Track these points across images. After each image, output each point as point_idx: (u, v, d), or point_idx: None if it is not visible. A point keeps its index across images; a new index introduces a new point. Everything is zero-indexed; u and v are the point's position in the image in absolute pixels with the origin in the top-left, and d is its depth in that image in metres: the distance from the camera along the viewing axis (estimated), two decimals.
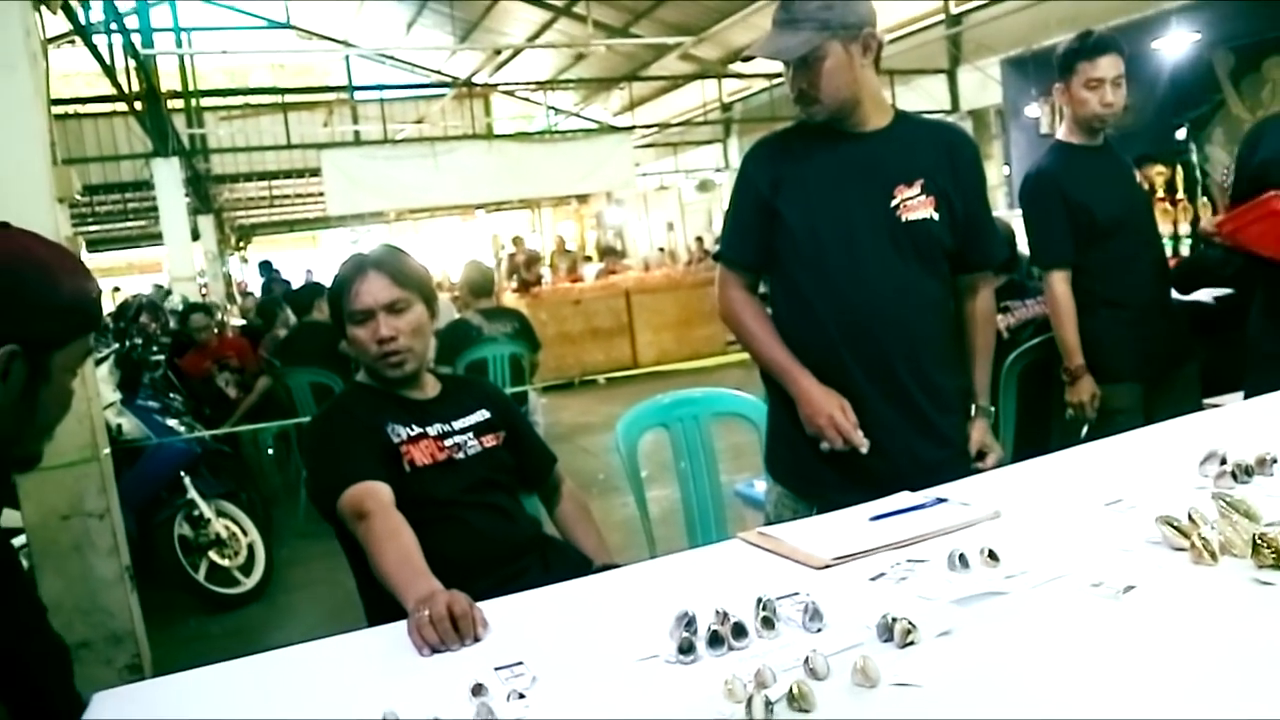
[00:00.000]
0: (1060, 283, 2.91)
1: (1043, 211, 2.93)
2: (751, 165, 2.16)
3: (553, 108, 18.98)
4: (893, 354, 2.05)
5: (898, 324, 2.05)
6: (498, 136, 13.83)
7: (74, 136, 14.92)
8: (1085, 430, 2.91)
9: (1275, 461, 1.69)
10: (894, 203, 2.04)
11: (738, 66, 15.25)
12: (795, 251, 2.09)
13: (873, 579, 1.45)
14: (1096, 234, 2.88)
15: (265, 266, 14.52)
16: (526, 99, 19.70)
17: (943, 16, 12.09)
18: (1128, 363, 2.90)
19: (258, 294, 12.45)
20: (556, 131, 16.02)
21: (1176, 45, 8.55)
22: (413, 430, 1.99)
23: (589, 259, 17.45)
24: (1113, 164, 2.97)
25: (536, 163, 12.83)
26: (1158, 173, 4.75)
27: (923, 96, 11.83)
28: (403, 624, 1.46)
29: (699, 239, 17.45)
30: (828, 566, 1.52)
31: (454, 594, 1.43)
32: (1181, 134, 7.49)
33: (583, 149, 13.30)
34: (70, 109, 13.42)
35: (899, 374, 2.06)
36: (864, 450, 2.00)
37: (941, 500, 1.75)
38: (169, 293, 10.99)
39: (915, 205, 2.05)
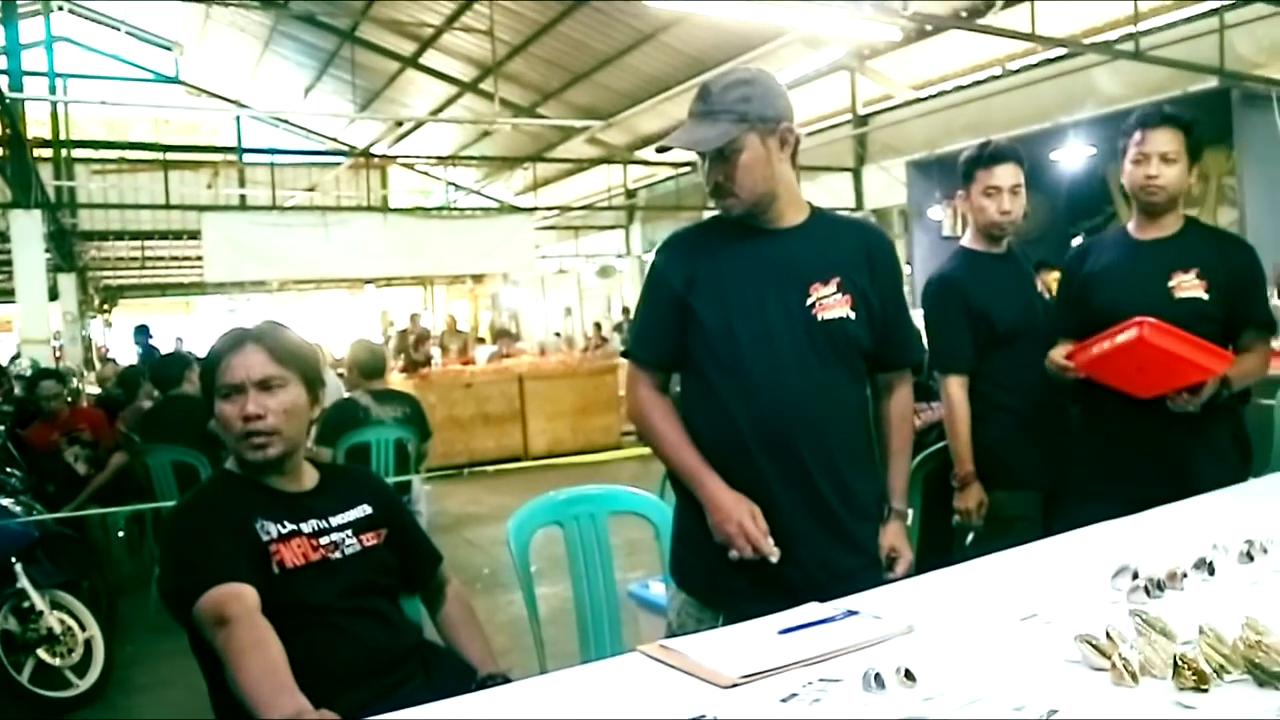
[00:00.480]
0: (957, 388, 2.97)
1: (943, 316, 3.01)
2: (664, 260, 2.15)
3: (453, 184, 19.07)
4: (809, 459, 2.04)
5: (814, 427, 2.04)
6: (394, 210, 13.71)
7: None
8: (970, 538, 2.95)
9: (1185, 576, 1.75)
10: (810, 300, 2.05)
11: (645, 154, 15.58)
12: (709, 350, 2.08)
13: (784, 700, 1.40)
14: (996, 340, 2.96)
15: (141, 331, 13.97)
16: (425, 173, 19.76)
17: (850, 116, 12.58)
18: (1026, 469, 2.95)
19: (121, 361, 12.01)
20: (455, 208, 16.05)
21: (1074, 157, 9.06)
22: (284, 527, 1.89)
23: (481, 340, 17.35)
24: (1014, 271, 3.06)
25: (433, 239, 12.77)
26: (1055, 279, 4.94)
27: (828, 193, 12.23)
28: None
29: (597, 325, 17.56)
30: (735, 685, 1.47)
31: (323, 714, 1.32)
32: (1077, 242, 7.87)
33: (482, 228, 13.31)
34: None
35: (815, 479, 2.05)
36: (774, 559, 1.97)
37: (852, 613, 1.73)
38: (17, 356, 10.50)
39: (831, 304, 2.05)
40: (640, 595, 3.58)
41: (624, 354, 2.29)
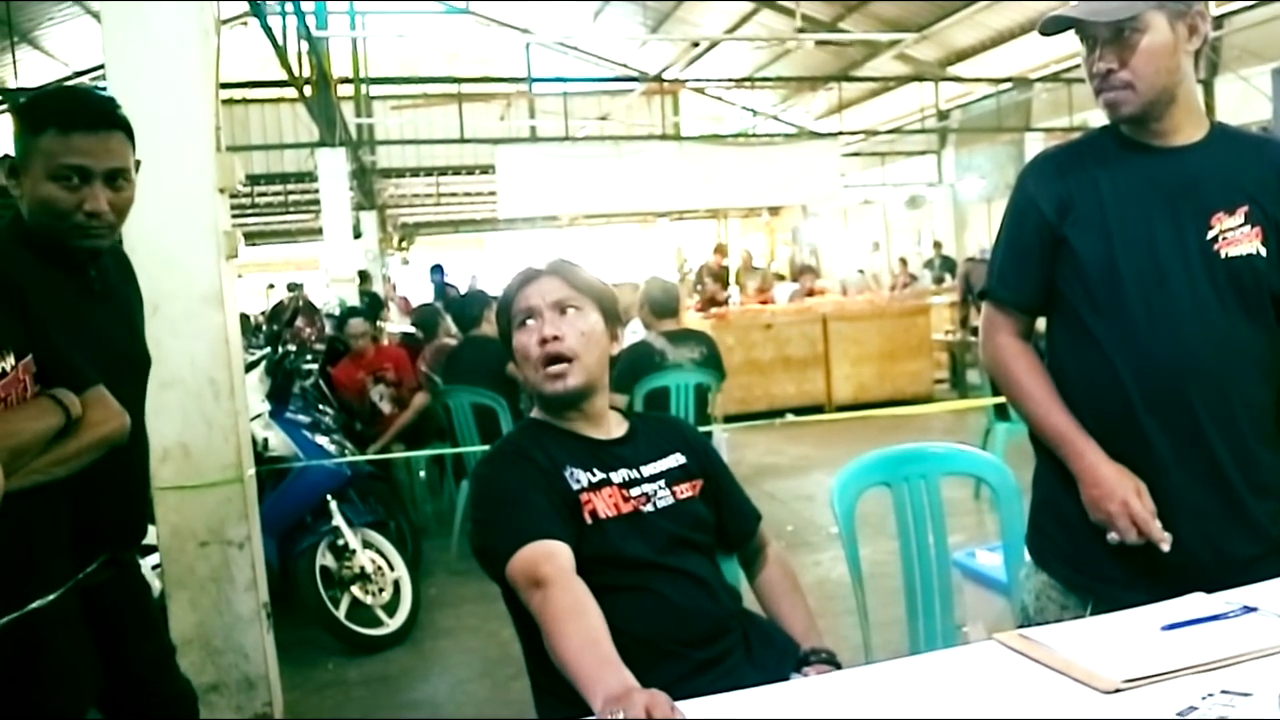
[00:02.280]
0: None
1: None
2: (1033, 182, 2.02)
3: (749, 108, 19.03)
4: (1206, 422, 1.87)
5: (1214, 385, 1.87)
6: (688, 138, 13.90)
7: (239, 123, 15.87)
8: None
9: None
10: (1212, 234, 1.87)
11: (959, 69, 14.91)
12: (1086, 291, 1.94)
13: (1181, 714, 1.30)
14: None
15: (436, 270, 14.95)
16: (719, 98, 19.81)
17: None
18: None
19: (415, 301, 12.83)
20: (752, 135, 16.03)
21: None
22: (594, 475, 1.92)
23: (780, 277, 17.34)
24: None
25: (729, 168, 12.86)
26: None
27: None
28: None
29: (903, 260, 17.12)
30: (1118, 690, 1.38)
31: (653, 694, 1.33)
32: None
33: (780, 155, 13.27)
34: (237, 94, 14.26)
35: (1213, 447, 1.88)
36: (1166, 547, 1.82)
37: (1250, 609, 1.60)
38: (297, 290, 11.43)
39: (1238, 238, 1.87)
40: (965, 565, 3.47)
41: (981, 294, 2.16)
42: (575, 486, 1.89)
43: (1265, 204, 1.88)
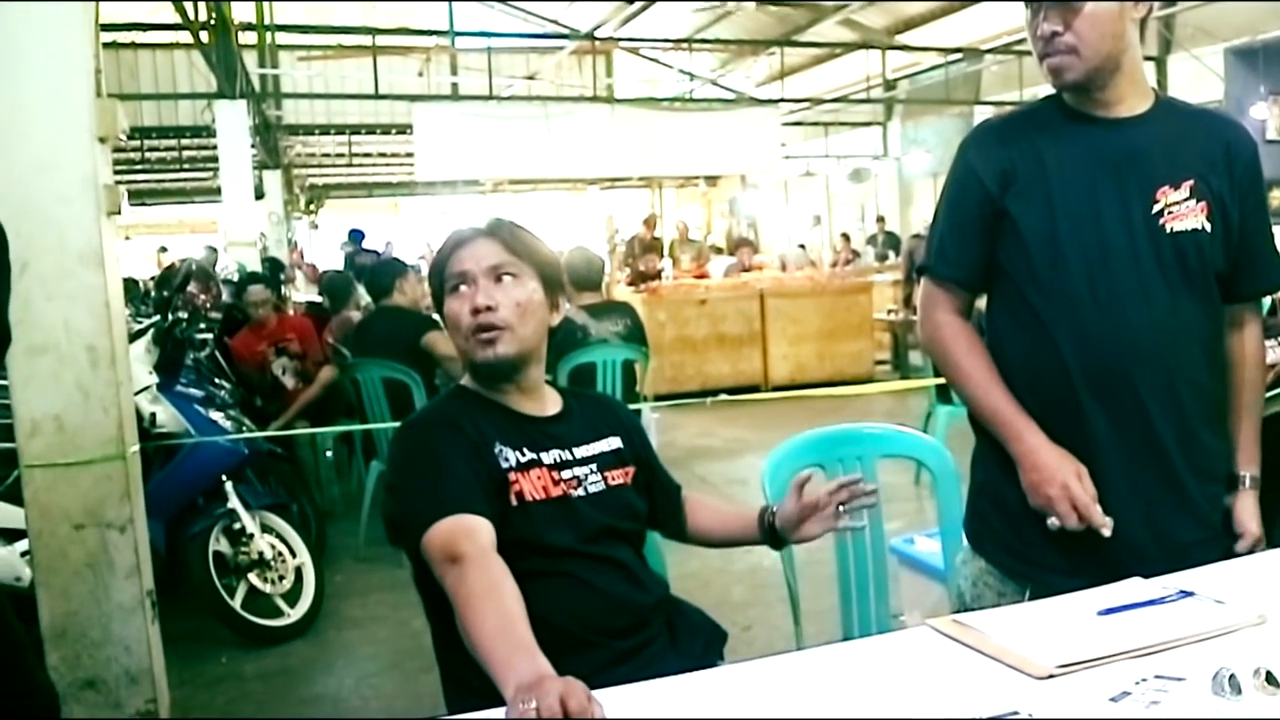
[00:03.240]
0: None
1: None
2: (975, 153, 2.04)
3: (686, 72, 18.97)
4: (1150, 403, 1.92)
5: (1158, 364, 1.92)
6: (621, 101, 13.84)
7: (127, 69, 15.44)
8: None
9: None
10: (1157, 208, 1.92)
11: (907, 38, 15.02)
12: (1028, 266, 1.97)
13: (1114, 699, 1.33)
14: None
15: (355, 235, 14.77)
16: (655, 60, 19.74)
17: None
18: None
19: (325, 268, 12.67)
20: (689, 100, 15.99)
21: None
22: (523, 455, 1.91)
23: (718, 251, 17.39)
24: None
25: (664, 134, 12.85)
26: None
27: None
28: (495, 714, 1.37)
29: (845, 236, 17.26)
30: (1051, 676, 1.41)
31: (569, 682, 1.32)
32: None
33: (718, 122, 13.28)
34: (124, 36, 13.87)
35: (1156, 428, 1.93)
36: (1106, 532, 1.86)
37: (1187, 594, 1.66)
38: (214, 255, 11.25)
39: (1183, 213, 1.92)
40: (902, 552, 3.55)
41: (920, 270, 2.18)
42: (504, 465, 1.88)
43: (1210, 179, 1.93)
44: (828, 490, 2.05)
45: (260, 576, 4.44)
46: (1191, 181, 1.93)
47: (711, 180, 22.77)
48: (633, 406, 5.35)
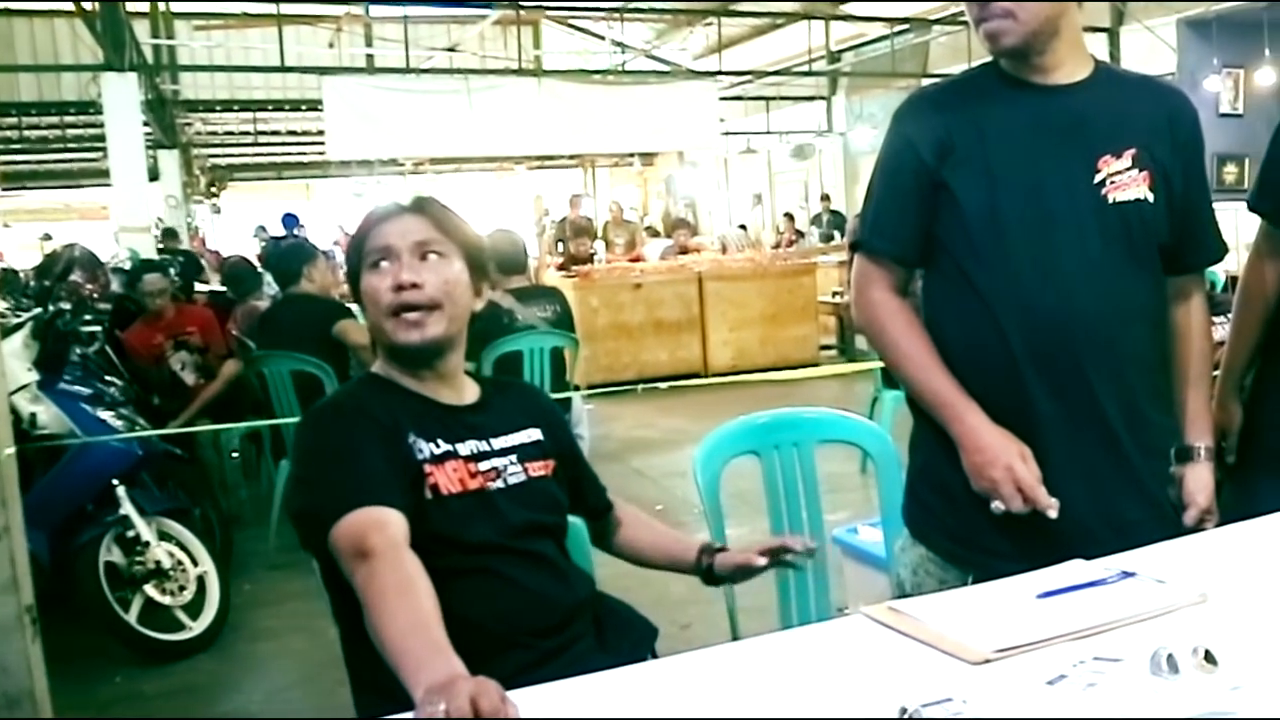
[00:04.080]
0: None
1: None
2: (910, 123, 2.08)
3: (619, 43, 18.95)
4: (1094, 378, 1.97)
5: (1102, 338, 1.97)
6: (549, 73, 13.79)
7: (1, 38, 15.09)
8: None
9: None
10: (1099, 177, 1.97)
11: (853, 8, 15.12)
12: (967, 239, 2.01)
13: (1050, 682, 1.37)
14: None
15: (290, 219, 14.59)
16: (585, 30, 19.71)
17: None
18: None
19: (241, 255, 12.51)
20: (622, 72, 15.97)
21: None
22: (438, 446, 1.91)
23: (654, 233, 17.42)
24: None
25: (596, 110, 12.81)
26: None
27: None
28: (405, 717, 1.39)
29: (789, 216, 17.35)
30: (988, 661, 1.45)
31: (481, 682, 1.33)
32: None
33: (654, 96, 13.26)
34: None
35: (1101, 404, 1.98)
36: (1053, 514, 1.90)
37: (1128, 574, 1.71)
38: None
39: (1126, 182, 1.97)
40: (846, 542, 3.60)
41: (853, 246, 2.22)
42: (418, 456, 1.88)
43: (1153, 147, 1.99)
44: (768, 549, 2.10)
45: (158, 588, 4.38)
46: (1134, 151, 1.98)
47: (647, 158, 22.77)
48: (563, 396, 5.38)
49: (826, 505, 2.68)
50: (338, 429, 1.89)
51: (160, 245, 12.21)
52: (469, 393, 2.04)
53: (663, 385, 8.08)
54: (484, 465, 1.94)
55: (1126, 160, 1.97)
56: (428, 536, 1.78)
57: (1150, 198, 1.98)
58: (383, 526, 1.70)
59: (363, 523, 1.71)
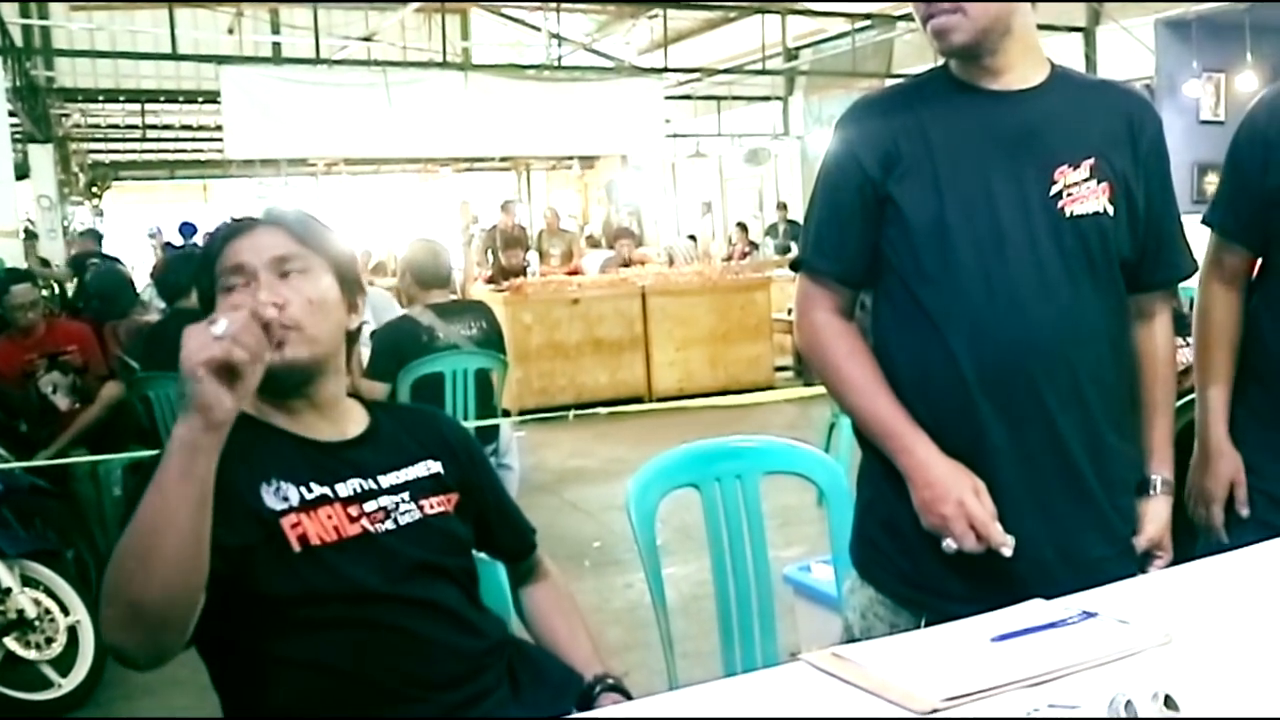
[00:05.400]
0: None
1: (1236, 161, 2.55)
2: (854, 131, 2.12)
3: (556, 35, 19.01)
4: (1053, 406, 2.00)
5: (1061, 363, 2.00)
6: (478, 67, 13.80)
7: None
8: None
9: None
10: (1055, 189, 2.00)
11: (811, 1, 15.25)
12: (914, 257, 2.04)
13: None
14: None
15: (189, 228, 14.46)
16: (520, 20, 19.75)
17: None
18: None
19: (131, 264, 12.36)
20: (559, 68, 16.03)
21: None
22: (308, 490, 1.88)
23: (594, 243, 17.46)
24: None
25: (530, 108, 12.85)
26: None
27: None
28: None
29: (742, 226, 17.45)
30: (935, 711, 1.46)
31: None
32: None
33: (595, 94, 13.35)
34: None
35: (1060, 435, 2.01)
36: (1007, 553, 1.94)
37: (1089, 615, 1.74)
38: None
39: (1084, 194, 2.01)
40: (798, 581, 3.63)
41: (794, 265, 2.24)
42: (278, 506, 1.84)
43: (1112, 157, 2.03)
44: None
45: (21, 640, 4.31)
46: (1092, 160, 2.01)
47: (586, 162, 22.84)
48: (489, 423, 5.37)
49: (780, 540, 2.71)
50: None
51: (76, 250, 12.09)
52: (353, 424, 2.03)
53: (602, 410, 8.12)
54: (369, 505, 1.92)
55: (1084, 170, 2.01)
56: (300, 592, 1.78)
57: (1110, 210, 2.02)
58: None
59: None
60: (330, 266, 1.97)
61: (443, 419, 2.39)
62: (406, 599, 1.89)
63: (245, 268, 1.89)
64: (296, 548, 1.82)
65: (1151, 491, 2.15)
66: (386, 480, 1.96)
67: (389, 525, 1.92)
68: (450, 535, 2.02)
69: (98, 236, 13.93)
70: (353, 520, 1.89)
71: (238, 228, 1.97)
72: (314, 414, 1.97)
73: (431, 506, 2.00)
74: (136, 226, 20.92)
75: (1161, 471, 2.17)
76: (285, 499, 1.85)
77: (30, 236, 12.67)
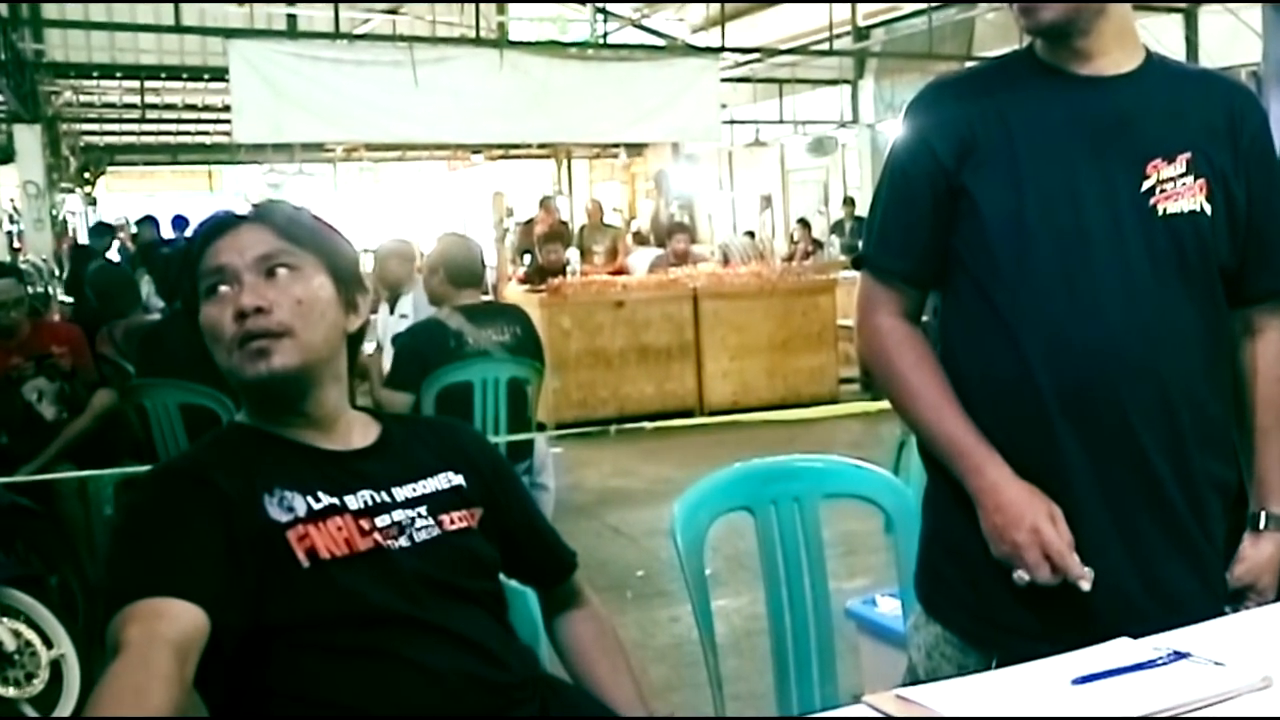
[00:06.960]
0: None
1: None
2: (926, 117, 2.13)
3: (602, 9, 19.06)
4: (1138, 425, 2.00)
5: (1150, 375, 2.00)
6: (515, 45, 13.81)
7: None
8: None
9: None
10: (1148, 185, 2.01)
11: None
12: (989, 255, 2.05)
13: None
14: None
15: (180, 222, 14.62)
16: None
17: None
18: None
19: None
20: (605, 46, 16.05)
21: None
22: (317, 500, 1.89)
23: (642, 240, 17.47)
24: None
25: (572, 90, 12.86)
26: None
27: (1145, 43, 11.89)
28: None
29: (804, 223, 17.38)
30: None
31: None
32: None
33: (643, 76, 13.32)
34: None
35: (1148, 455, 2.01)
36: (1086, 586, 1.93)
37: (1180, 655, 1.73)
38: None
39: (1179, 191, 2.01)
40: (862, 616, 3.62)
41: (856, 263, 2.26)
42: (283, 518, 1.85)
43: (1211, 152, 2.03)
44: None
45: None
46: (1189, 155, 2.02)
47: (634, 150, 22.87)
48: (523, 437, 5.38)
49: (844, 570, 2.71)
50: (161, 502, 1.88)
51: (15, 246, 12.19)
52: (361, 435, 2.05)
53: (648, 425, 8.07)
54: (381, 520, 1.93)
55: (1180, 165, 2.01)
56: (306, 616, 1.80)
57: (1207, 209, 2.02)
58: (152, 618, 1.65)
59: (130, 614, 1.65)
60: (324, 264, 1.99)
61: (461, 428, 2.41)
62: (424, 624, 1.89)
63: (227, 270, 1.92)
64: (305, 563, 1.84)
65: (1259, 526, 2.13)
66: (401, 493, 1.98)
67: (404, 542, 1.93)
68: (473, 555, 2.02)
69: (155, 223, 14.05)
70: (364, 534, 1.90)
71: (220, 226, 1.99)
72: (312, 427, 1.99)
73: (452, 522, 2.00)
74: (134, 216, 21.07)
75: (1271, 505, 2.15)
76: (291, 509, 1.87)
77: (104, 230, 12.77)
